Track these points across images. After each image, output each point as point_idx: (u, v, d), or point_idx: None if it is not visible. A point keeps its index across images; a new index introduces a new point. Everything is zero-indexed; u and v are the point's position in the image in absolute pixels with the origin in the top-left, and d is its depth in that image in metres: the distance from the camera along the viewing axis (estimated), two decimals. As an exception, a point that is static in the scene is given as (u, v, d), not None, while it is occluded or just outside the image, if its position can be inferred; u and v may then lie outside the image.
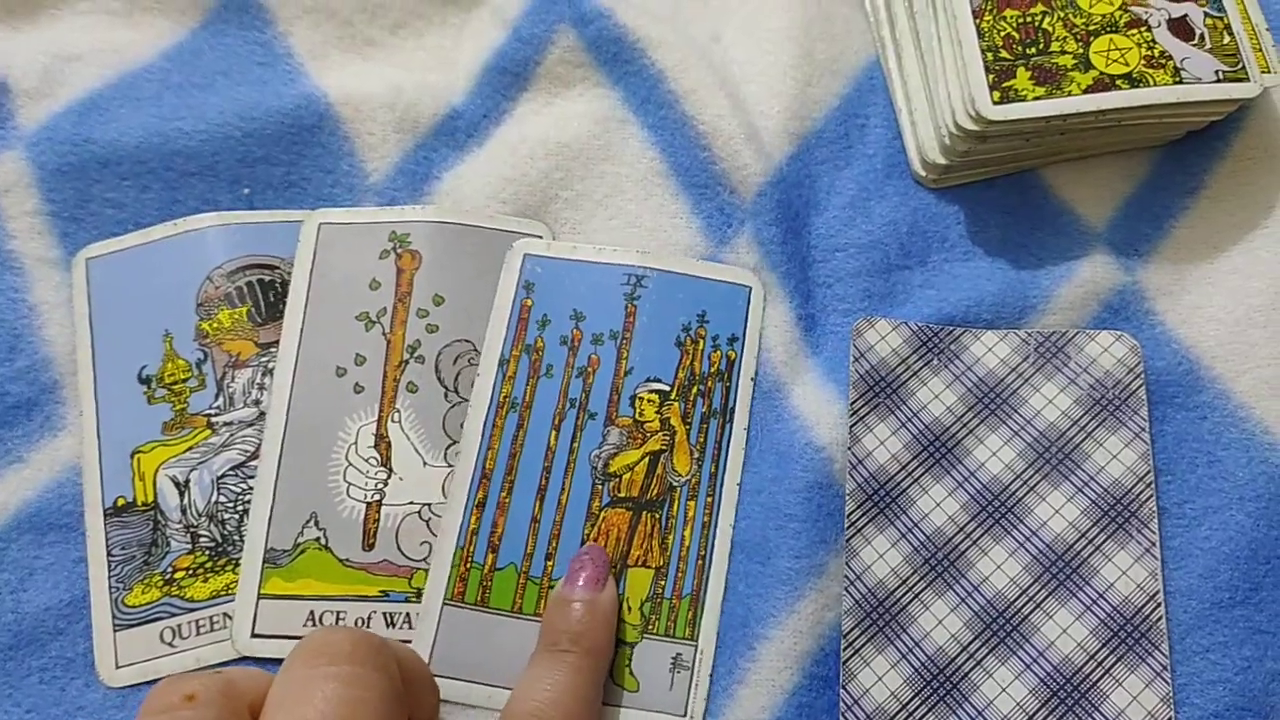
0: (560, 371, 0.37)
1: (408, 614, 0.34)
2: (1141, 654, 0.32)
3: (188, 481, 0.35)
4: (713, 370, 0.37)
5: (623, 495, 0.35)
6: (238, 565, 0.34)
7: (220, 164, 0.39)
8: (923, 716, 0.32)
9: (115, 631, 0.34)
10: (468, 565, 0.35)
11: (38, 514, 0.35)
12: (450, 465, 0.36)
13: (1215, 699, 0.32)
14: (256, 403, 0.36)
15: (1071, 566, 0.33)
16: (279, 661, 0.33)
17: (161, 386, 0.36)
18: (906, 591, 0.33)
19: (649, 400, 0.36)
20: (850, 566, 0.34)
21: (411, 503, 0.35)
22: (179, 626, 0.34)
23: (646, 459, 0.36)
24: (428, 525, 0.35)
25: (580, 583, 0.33)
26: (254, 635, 0.34)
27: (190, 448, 0.36)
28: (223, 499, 0.35)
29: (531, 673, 0.31)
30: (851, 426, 0.35)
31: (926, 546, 0.34)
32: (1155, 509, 0.34)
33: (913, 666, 0.32)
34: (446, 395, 0.37)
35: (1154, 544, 0.34)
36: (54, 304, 0.38)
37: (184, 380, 0.37)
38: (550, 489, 0.35)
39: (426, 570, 0.35)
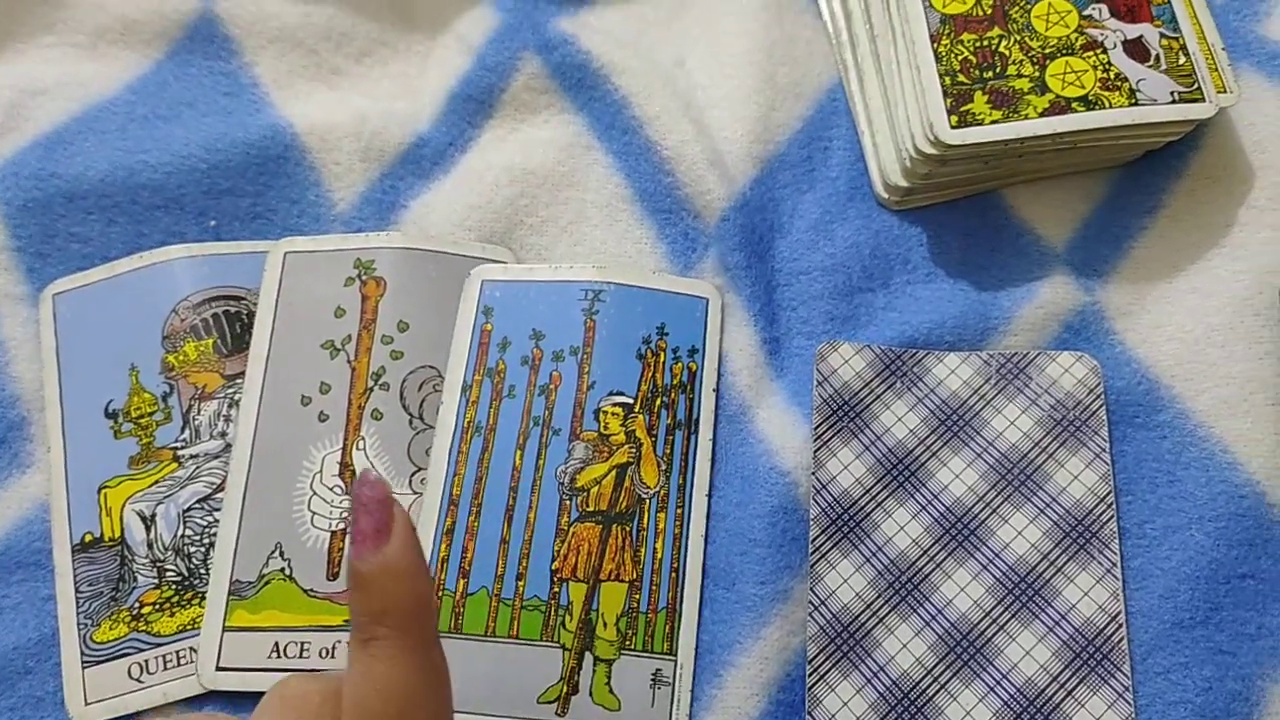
0: (523, 391, 0.37)
1: (375, 645, 0.34)
2: (1104, 675, 0.32)
3: (154, 516, 0.35)
4: (675, 382, 0.37)
5: (591, 509, 0.35)
6: (204, 599, 0.34)
7: (186, 196, 0.39)
8: (886, 741, 0.32)
9: (84, 668, 0.34)
10: (439, 593, 0.35)
11: (6, 552, 0.35)
12: (416, 492, 0.36)
13: (1177, 719, 0.32)
14: (223, 435, 0.36)
15: (1034, 588, 0.34)
16: (245, 695, 0.33)
17: (128, 420, 0.36)
18: (871, 616, 0.34)
19: (613, 414, 0.37)
20: (815, 591, 0.34)
21: (379, 532, 0.35)
22: (146, 662, 0.34)
23: (614, 472, 0.36)
24: (394, 555, 0.35)
25: (359, 542, 0.23)
26: (219, 669, 0.34)
27: (156, 481, 0.36)
28: (189, 532, 0.35)
29: (350, 679, 0.23)
30: (815, 450, 0.36)
31: (890, 570, 0.34)
32: (1116, 529, 0.34)
33: (878, 691, 0.33)
34: (411, 422, 0.37)
35: (1115, 565, 0.34)
36: (21, 340, 0.38)
37: (150, 414, 0.37)
38: (518, 509, 0.35)
39: (393, 601, 0.35)
